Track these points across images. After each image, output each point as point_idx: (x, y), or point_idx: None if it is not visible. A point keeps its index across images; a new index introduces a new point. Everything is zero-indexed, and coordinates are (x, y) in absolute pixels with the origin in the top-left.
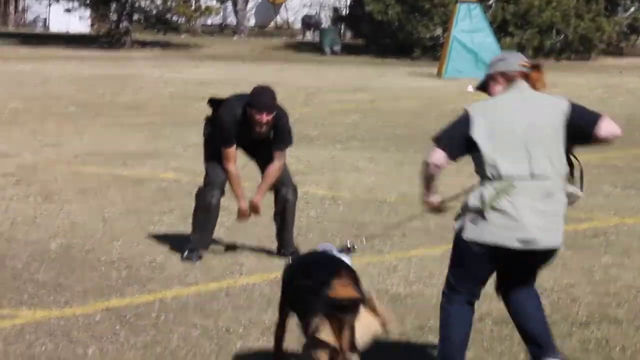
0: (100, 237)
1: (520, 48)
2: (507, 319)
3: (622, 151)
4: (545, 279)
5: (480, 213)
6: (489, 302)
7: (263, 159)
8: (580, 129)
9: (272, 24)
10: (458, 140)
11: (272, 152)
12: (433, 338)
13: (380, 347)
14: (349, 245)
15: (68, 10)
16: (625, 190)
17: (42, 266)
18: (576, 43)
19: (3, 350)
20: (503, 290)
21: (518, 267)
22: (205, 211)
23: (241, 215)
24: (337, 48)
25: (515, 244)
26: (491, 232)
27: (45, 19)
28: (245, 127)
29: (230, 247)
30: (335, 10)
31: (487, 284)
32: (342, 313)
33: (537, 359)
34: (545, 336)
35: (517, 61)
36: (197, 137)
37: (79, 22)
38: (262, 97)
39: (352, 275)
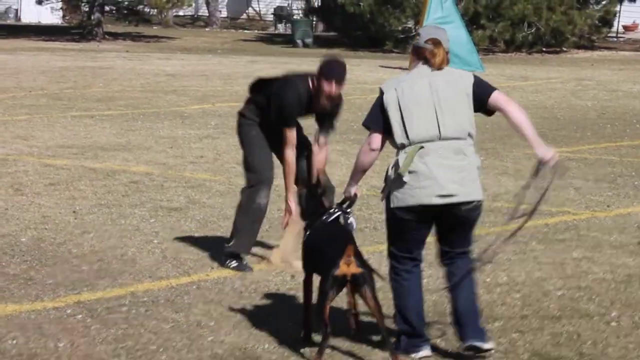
0: (71, 230)
1: (492, 41)
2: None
3: (593, 144)
4: (516, 273)
5: (399, 181)
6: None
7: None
8: (478, 97)
9: (244, 15)
10: (379, 117)
11: (319, 137)
12: None
13: (351, 341)
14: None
15: (40, 2)
16: (596, 183)
17: (12, 259)
18: (548, 36)
19: None
20: (444, 261)
21: (447, 227)
22: (256, 212)
23: (288, 214)
24: (309, 40)
25: (435, 201)
26: (412, 194)
27: (16, 10)
28: (306, 105)
29: None
30: (307, 2)
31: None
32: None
33: (462, 339)
34: (470, 317)
35: (428, 37)
36: (168, 130)
37: (51, 14)
38: (334, 66)
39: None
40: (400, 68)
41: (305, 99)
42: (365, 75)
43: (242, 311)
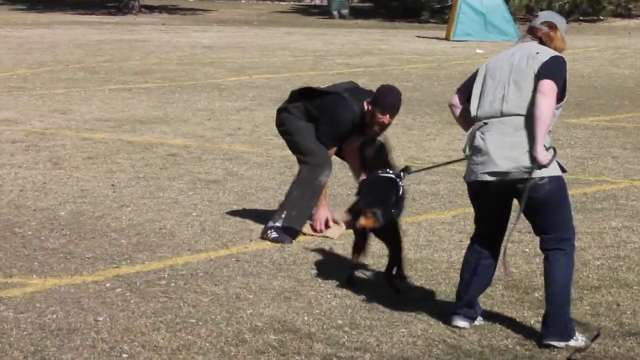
0: (109, 204)
1: (529, 10)
2: (517, 284)
3: (631, 113)
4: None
5: (469, 156)
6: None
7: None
8: (536, 79)
9: None
10: (468, 85)
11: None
12: (443, 302)
13: (390, 312)
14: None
15: None
16: (634, 152)
17: (52, 233)
18: (585, 4)
19: (14, 318)
20: (541, 249)
21: (524, 208)
22: (316, 189)
23: (317, 226)
24: (345, 11)
25: (486, 178)
26: (472, 170)
27: None
28: (356, 127)
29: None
30: None
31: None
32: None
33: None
34: (548, 312)
35: (544, 20)
36: (206, 102)
37: None
38: (391, 98)
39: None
40: (436, 38)
41: (357, 121)
42: (402, 46)
43: (281, 283)
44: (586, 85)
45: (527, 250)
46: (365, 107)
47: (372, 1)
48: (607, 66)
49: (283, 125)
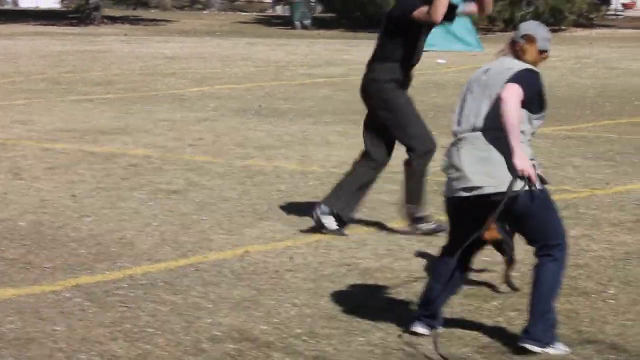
0: (70, 214)
1: (491, 20)
2: (476, 292)
3: (592, 122)
4: (515, 251)
5: (446, 171)
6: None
7: None
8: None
9: None
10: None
11: None
12: (402, 311)
13: (349, 320)
14: None
15: None
16: (595, 161)
17: (11, 244)
18: (547, 14)
19: None
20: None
21: (506, 220)
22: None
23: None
24: (307, 22)
25: (461, 193)
26: (449, 185)
27: None
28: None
29: None
30: None
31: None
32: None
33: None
34: (529, 316)
35: (524, 33)
36: (167, 113)
37: None
38: None
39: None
40: None
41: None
42: (364, 56)
43: (240, 293)
44: (548, 95)
45: (488, 258)
46: None
47: (334, 12)
48: (569, 76)
49: (383, 102)
